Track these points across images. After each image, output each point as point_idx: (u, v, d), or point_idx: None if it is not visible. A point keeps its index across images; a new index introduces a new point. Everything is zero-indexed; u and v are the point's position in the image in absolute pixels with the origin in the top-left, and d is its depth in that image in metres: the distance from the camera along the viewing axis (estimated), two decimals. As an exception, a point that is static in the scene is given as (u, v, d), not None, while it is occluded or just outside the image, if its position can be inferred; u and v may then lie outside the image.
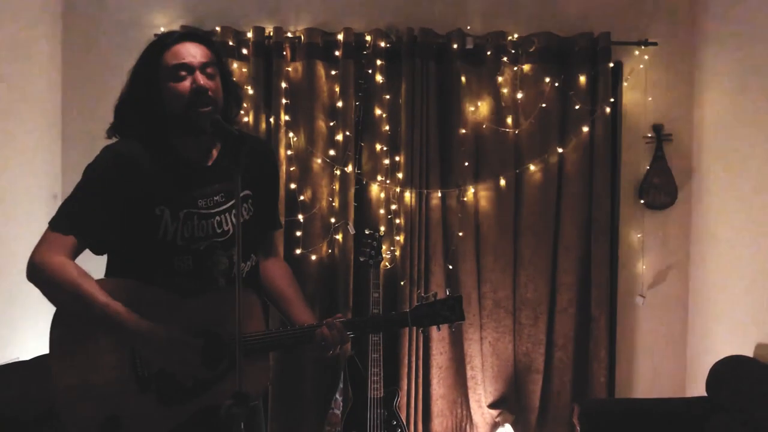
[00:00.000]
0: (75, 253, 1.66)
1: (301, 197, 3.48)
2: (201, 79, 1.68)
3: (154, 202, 1.68)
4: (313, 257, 3.47)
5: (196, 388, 1.68)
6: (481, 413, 3.52)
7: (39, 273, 1.62)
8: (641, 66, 3.55)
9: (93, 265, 1.73)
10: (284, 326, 1.85)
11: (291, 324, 1.88)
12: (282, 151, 3.45)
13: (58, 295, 1.64)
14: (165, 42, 1.72)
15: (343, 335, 1.79)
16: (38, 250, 1.64)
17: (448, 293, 1.92)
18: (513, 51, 3.49)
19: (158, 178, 1.70)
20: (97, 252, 1.73)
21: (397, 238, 3.48)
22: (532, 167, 3.51)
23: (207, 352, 1.66)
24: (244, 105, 3.41)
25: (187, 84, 1.67)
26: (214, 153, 1.78)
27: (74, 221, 1.66)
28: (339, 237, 3.46)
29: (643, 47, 3.53)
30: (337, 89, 3.48)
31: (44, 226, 1.69)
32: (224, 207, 1.77)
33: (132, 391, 1.64)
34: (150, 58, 1.71)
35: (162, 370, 1.66)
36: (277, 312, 2.02)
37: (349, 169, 3.45)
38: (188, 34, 1.76)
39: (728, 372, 2.76)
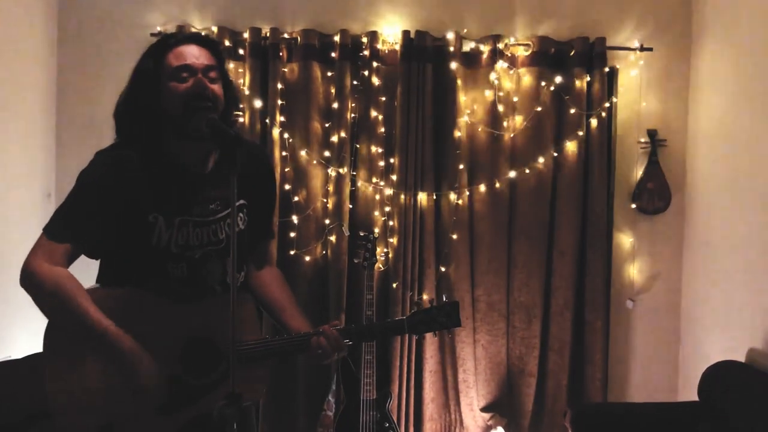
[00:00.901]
0: (69, 260, 1.65)
1: (296, 198, 3.48)
2: (203, 81, 1.66)
3: (147, 209, 1.66)
4: (307, 258, 3.47)
5: (192, 395, 1.66)
6: (473, 416, 3.52)
7: (31, 281, 1.61)
8: (636, 71, 3.57)
9: (84, 267, 1.72)
10: (279, 334, 1.82)
11: (285, 331, 1.85)
12: (277, 152, 3.44)
13: (48, 306, 1.63)
14: (169, 42, 1.70)
15: (340, 343, 1.76)
16: (32, 257, 1.62)
17: (444, 299, 1.90)
18: (509, 54, 3.50)
19: (153, 185, 1.68)
20: (93, 256, 1.72)
21: (391, 240, 3.47)
22: (527, 171, 3.51)
23: (192, 366, 1.67)
24: (240, 106, 3.41)
25: (188, 85, 1.65)
26: (212, 161, 1.76)
27: (69, 228, 1.64)
28: (333, 238, 3.46)
29: (638, 52, 3.54)
30: (333, 91, 3.47)
31: (37, 224, 1.68)
32: (220, 215, 1.75)
33: (126, 399, 1.62)
34: (153, 57, 1.68)
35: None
36: (269, 320, 2.00)
37: (344, 170, 3.45)
38: (193, 36, 1.74)
39: (720, 377, 2.76)
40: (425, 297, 3.44)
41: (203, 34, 3.28)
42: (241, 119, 3.41)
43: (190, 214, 1.71)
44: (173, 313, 1.67)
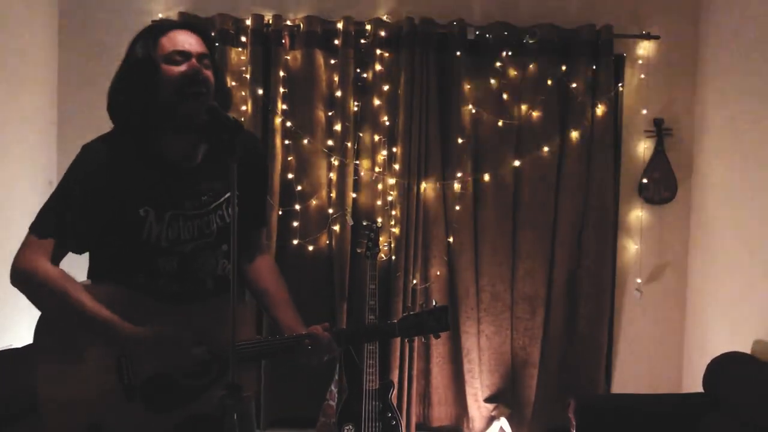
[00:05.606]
0: (59, 256, 1.62)
1: (299, 187, 3.46)
2: (198, 66, 1.63)
3: (138, 203, 1.63)
4: (311, 248, 3.45)
5: (183, 396, 1.65)
6: (477, 407, 3.51)
7: (22, 278, 1.58)
8: (643, 59, 3.52)
9: (75, 264, 1.70)
10: (273, 335, 1.83)
11: (275, 323, 1.85)
12: (279, 141, 3.42)
13: (44, 302, 1.60)
14: (161, 28, 1.66)
15: (331, 345, 1.77)
16: (21, 255, 1.60)
17: (435, 304, 1.91)
18: (514, 42, 3.46)
19: (143, 178, 1.65)
20: (79, 251, 1.69)
21: (394, 230, 3.45)
22: (531, 160, 3.48)
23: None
24: (242, 93, 3.38)
25: (182, 68, 1.62)
26: (200, 153, 1.72)
27: (54, 223, 1.61)
28: (336, 228, 3.44)
29: (645, 41, 3.50)
30: (336, 79, 3.44)
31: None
32: (211, 207, 1.73)
33: (118, 400, 1.60)
34: (146, 42, 1.64)
35: (150, 378, 1.62)
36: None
37: (347, 159, 3.42)
38: (185, 23, 1.71)
39: (725, 368, 2.74)
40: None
41: (201, 24, 3.29)
42: (243, 107, 3.38)
43: (182, 207, 1.68)
44: (169, 313, 1.65)
